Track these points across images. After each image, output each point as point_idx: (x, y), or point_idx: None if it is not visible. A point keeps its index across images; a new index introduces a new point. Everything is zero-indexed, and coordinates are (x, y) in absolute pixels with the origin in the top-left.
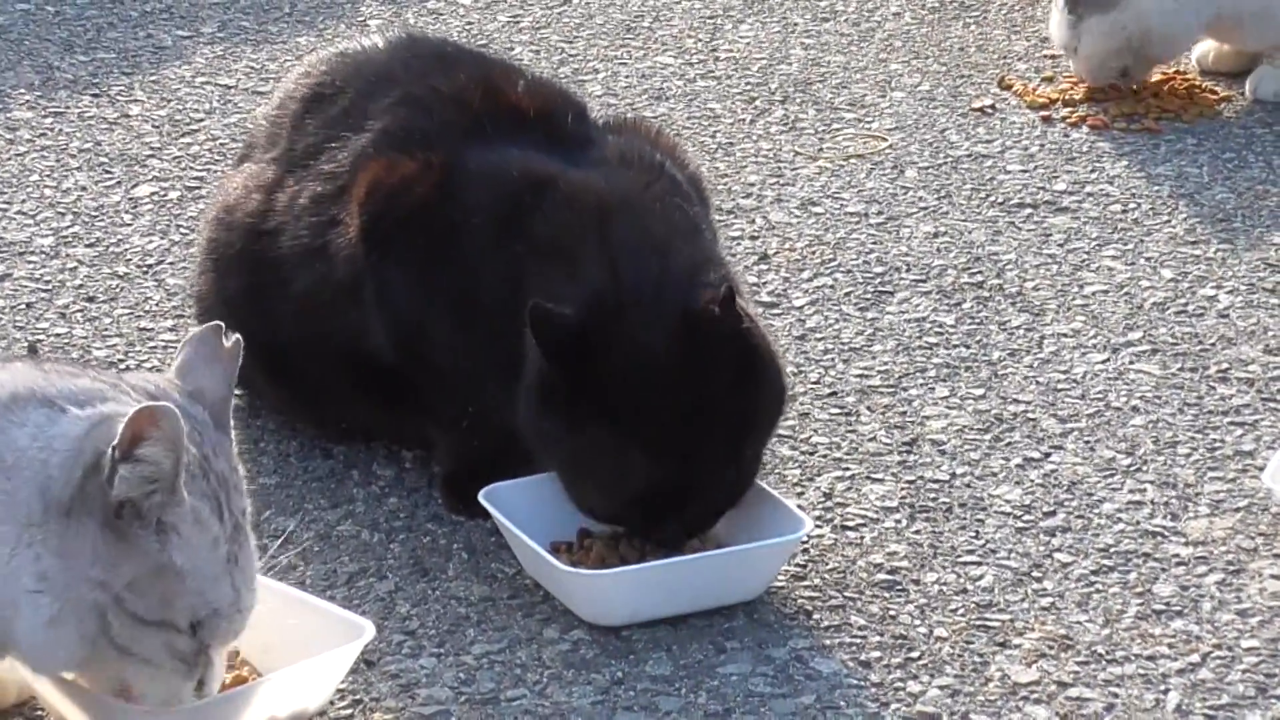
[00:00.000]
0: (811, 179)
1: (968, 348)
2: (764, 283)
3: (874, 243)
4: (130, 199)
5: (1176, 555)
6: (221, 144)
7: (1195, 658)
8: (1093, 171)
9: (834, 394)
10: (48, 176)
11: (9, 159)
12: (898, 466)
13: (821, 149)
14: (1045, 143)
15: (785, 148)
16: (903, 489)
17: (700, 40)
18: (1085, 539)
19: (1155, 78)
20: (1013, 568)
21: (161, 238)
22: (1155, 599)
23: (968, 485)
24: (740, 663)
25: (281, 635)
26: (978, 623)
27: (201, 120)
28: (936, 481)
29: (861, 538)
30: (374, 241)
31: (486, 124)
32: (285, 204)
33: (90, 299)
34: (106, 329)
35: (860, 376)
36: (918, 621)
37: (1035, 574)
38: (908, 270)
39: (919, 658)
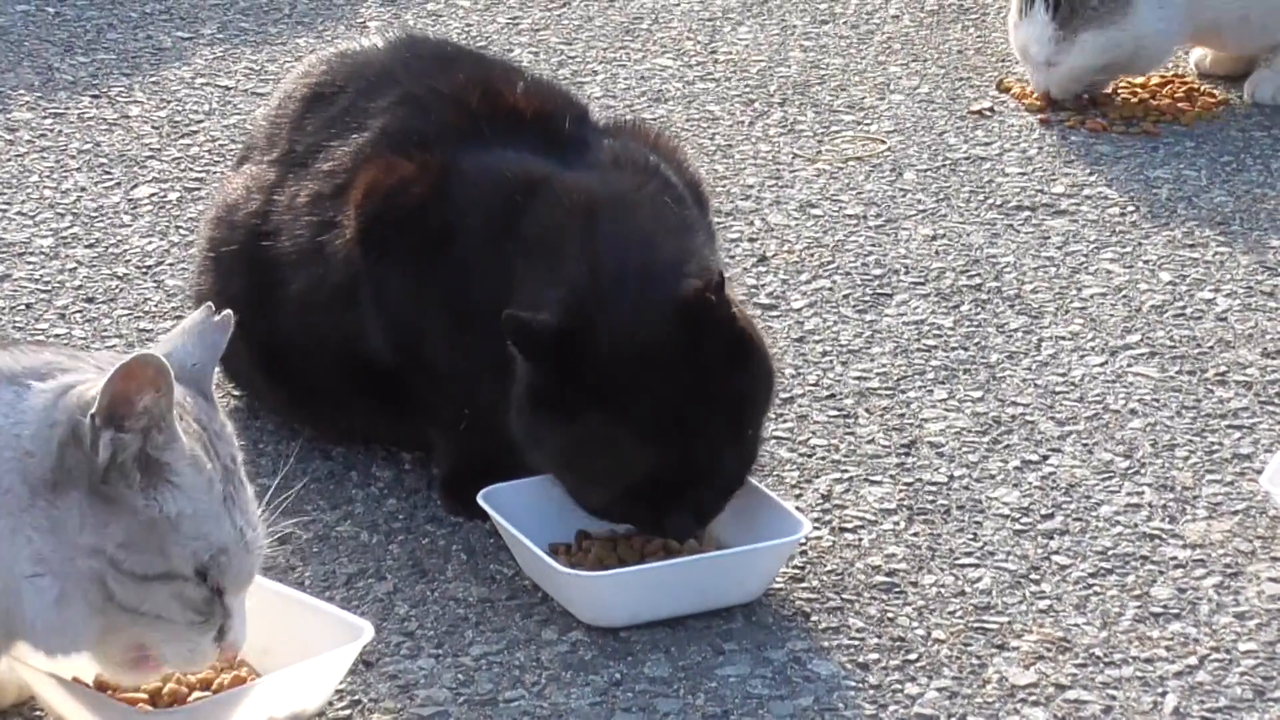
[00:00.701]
0: (810, 181)
1: (966, 350)
2: (762, 285)
3: (872, 245)
4: (130, 200)
5: (1174, 558)
6: (221, 145)
7: (1193, 660)
8: (1091, 174)
9: (832, 396)
10: (47, 177)
11: (9, 160)
12: (896, 469)
13: (820, 151)
14: (1044, 145)
15: (784, 150)
16: (901, 491)
17: (699, 42)
18: (1083, 541)
19: (1154, 81)
20: (1011, 570)
21: (161, 239)
22: (1153, 601)
23: (966, 487)
24: (738, 664)
25: (280, 636)
26: (976, 625)
27: (201, 121)
28: (935, 484)
29: (860, 540)
30: (370, 243)
31: (484, 126)
32: (284, 204)
33: (90, 300)
34: (106, 330)
35: (859, 379)
36: (916, 624)
37: (1033, 576)
38: (906, 273)
39: (917, 660)
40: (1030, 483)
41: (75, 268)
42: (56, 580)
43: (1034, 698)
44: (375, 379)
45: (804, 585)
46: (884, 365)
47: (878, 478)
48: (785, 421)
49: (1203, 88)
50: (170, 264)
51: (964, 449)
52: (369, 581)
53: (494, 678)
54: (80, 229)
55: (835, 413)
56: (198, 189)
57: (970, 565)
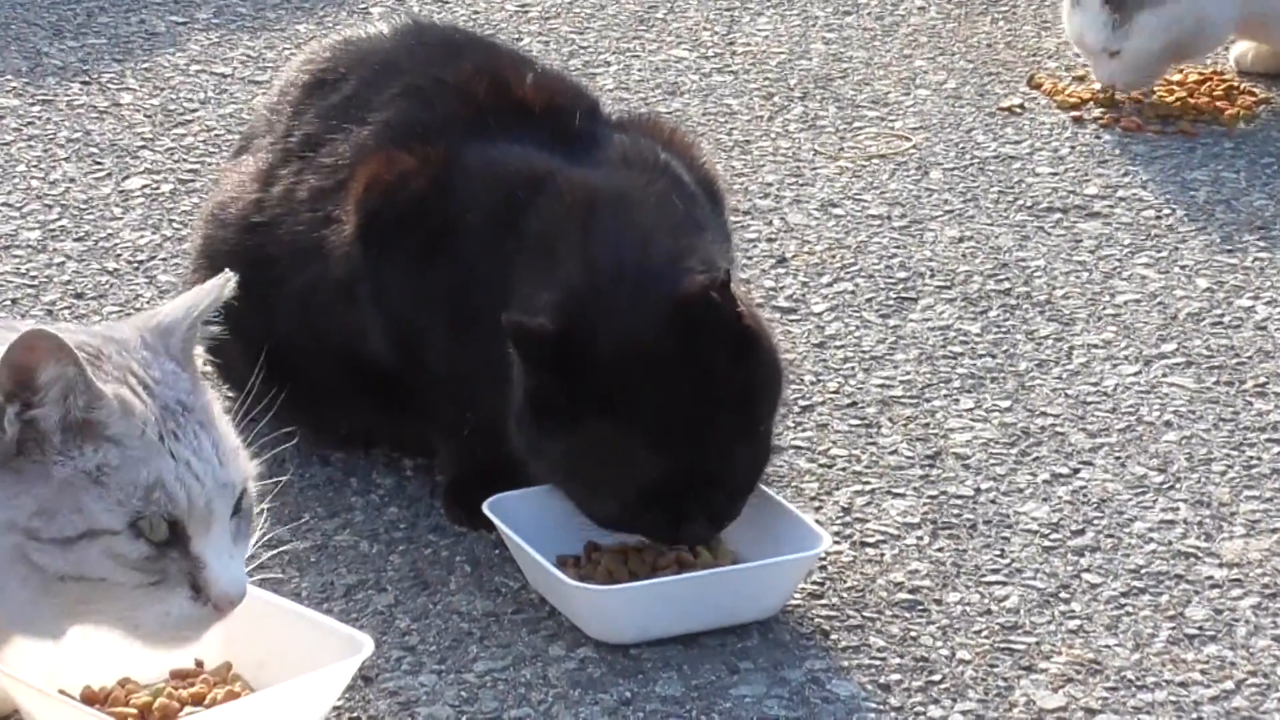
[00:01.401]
0: (832, 179)
1: (994, 358)
2: (781, 287)
3: (897, 247)
4: (121, 191)
5: (1210, 577)
6: (216, 135)
7: (1229, 685)
8: (1125, 175)
9: (854, 404)
10: (35, 167)
11: None
12: (920, 481)
13: (843, 148)
14: (1076, 144)
15: (805, 146)
16: (925, 505)
17: (717, 33)
18: (1115, 559)
19: (1193, 78)
20: (1039, 588)
21: (153, 232)
22: (1188, 623)
23: (993, 501)
24: (754, 684)
25: (276, 650)
26: (1002, 645)
27: (195, 110)
28: (960, 497)
29: (881, 555)
30: (370, 239)
31: (490, 118)
32: (283, 197)
33: (78, 295)
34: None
35: (881, 386)
36: (940, 643)
37: (1063, 595)
38: (931, 276)
39: (941, 681)
40: (1060, 497)
41: (64, 262)
42: None
43: None
44: (377, 380)
45: (823, 602)
46: (908, 373)
47: (901, 490)
48: (805, 430)
49: (1243, 86)
50: (163, 259)
51: (991, 461)
52: (369, 593)
53: (498, 695)
54: (69, 221)
55: (857, 422)
56: (191, 181)
57: (997, 583)
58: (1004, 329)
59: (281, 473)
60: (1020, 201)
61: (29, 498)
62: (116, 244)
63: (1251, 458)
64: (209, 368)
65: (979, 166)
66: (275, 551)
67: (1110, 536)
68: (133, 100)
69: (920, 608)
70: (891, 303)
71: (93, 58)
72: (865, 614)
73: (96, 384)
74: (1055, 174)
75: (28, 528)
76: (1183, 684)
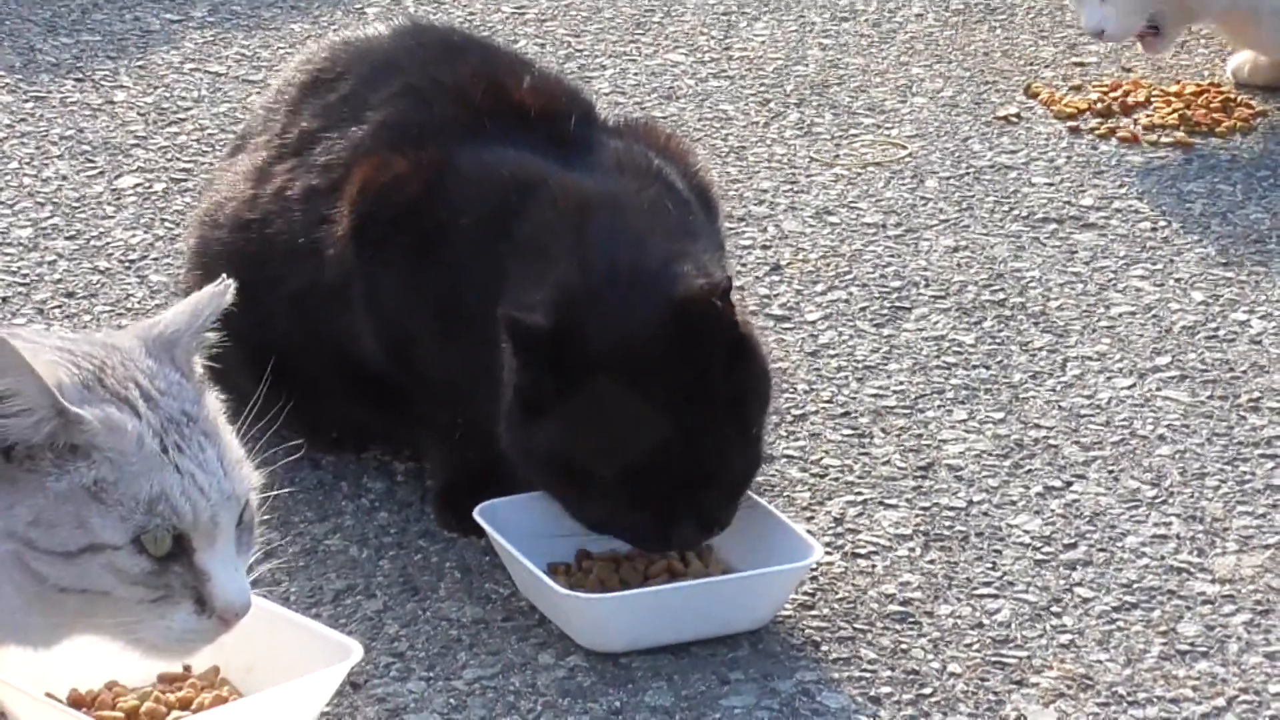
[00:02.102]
0: (827, 187)
1: (987, 369)
2: (775, 295)
3: (891, 255)
4: (113, 190)
5: (1203, 593)
6: (210, 134)
7: (1220, 701)
8: (1121, 186)
9: (847, 414)
10: (27, 164)
11: None
12: (912, 492)
13: (838, 155)
14: (1072, 155)
15: (800, 153)
16: (917, 516)
17: (713, 38)
18: (1107, 573)
19: (1190, 90)
20: (1031, 602)
21: (145, 231)
22: (1180, 639)
23: (985, 514)
24: (744, 695)
25: (265, 654)
26: (994, 659)
27: (189, 109)
28: (952, 509)
29: (873, 566)
30: (363, 241)
31: (486, 121)
32: (278, 197)
33: (69, 294)
34: (86, 326)
35: (875, 396)
36: (931, 656)
37: (1054, 609)
38: (926, 285)
39: (931, 694)
40: (1053, 510)
41: (55, 260)
42: None
43: None
44: (368, 383)
45: (814, 613)
46: (901, 383)
47: (893, 501)
48: (797, 440)
49: (1240, 98)
50: (155, 258)
51: (984, 473)
52: (358, 599)
53: (487, 703)
54: (61, 219)
55: (850, 432)
56: (185, 180)
57: (989, 596)
58: (998, 340)
59: (271, 476)
60: (1016, 211)
61: (24, 508)
62: (108, 243)
63: (1245, 473)
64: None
65: (975, 176)
66: (269, 563)
67: (1103, 550)
68: (126, 98)
69: (911, 620)
70: (885, 312)
71: (87, 55)
72: (856, 625)
73: (70, 408)
74: (1051, 184)
75: (25, 537)
76: (1174, 700)
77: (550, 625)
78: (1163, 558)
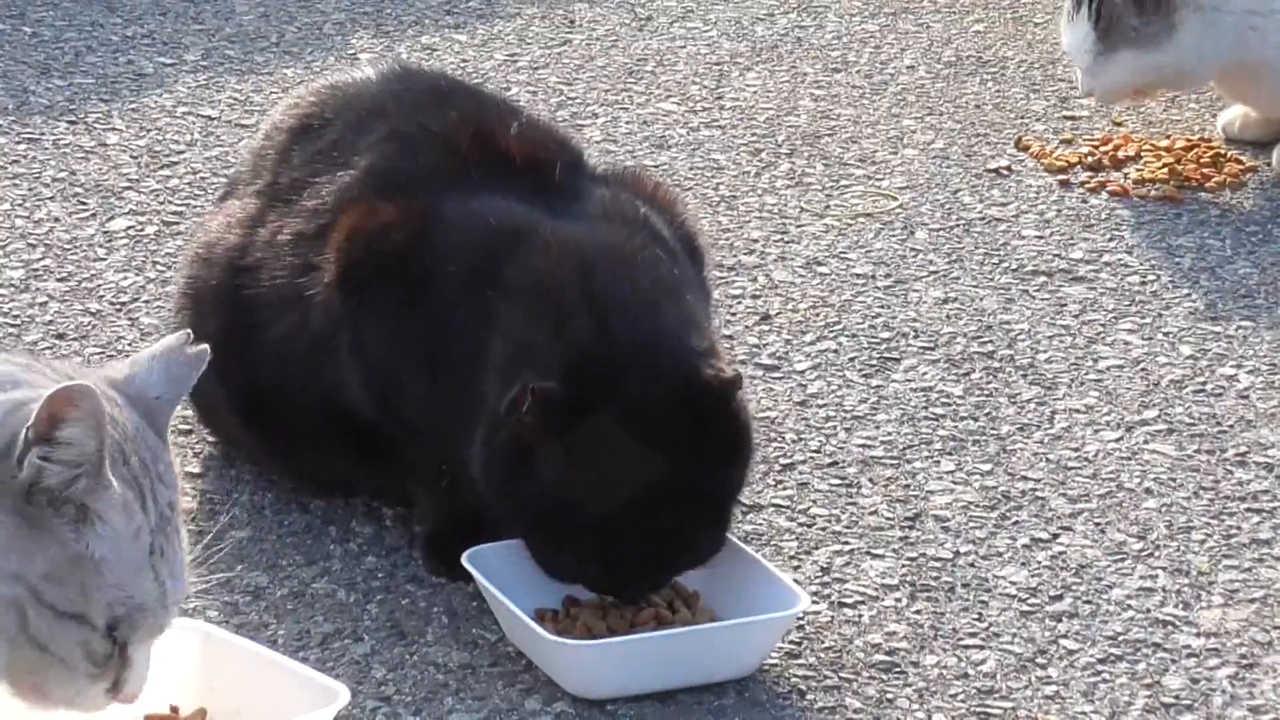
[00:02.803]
0: (817, 237)
1: (975, 420)
2: (765, 344)
3: (881, 306)
4: (105, 232)
5: (1188, 646)
6: (202, 177)
7: None
8: (1111, 240)
9: (835, 464)
10: (19, 206)
11: None
12: (899, 542)
13: (829, 206)
14: (1062, 208)
15: (791, 203)
16: (904, 566)
17: (705, 88)
18: (1093, 626)
19: (1180, 145)
20: (1016, 653)
21: (137, 274)
22: (1164, 691)
23: (971, 565)
24: None
25: (251, 697)
26: (979, 709)
27: (182, 152)
28: (939, 560)
29: (860, 616)
30: (349, 289)
31: (472, 169)
32: (266, 242)
33: (60, 336)
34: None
35: (863, 446)
36: (916, 706)
37: (1040, 660)
38: (915, 337)
39: None
40: (1039, 562)
41: (46, 302)
42: None
43: None
44: (356, 429)
45: (800, 662)
46: (889, 433)
47: (880, 551)
48: (785, 489)
49: (1229, 153)
50: (146, 301)
51: (971, 524)
52: (345, 642)
53: None
54: (52, 261)
55: (837, 481)
56: (176, 223)
57: (974, 646)
58: (986, 392)
59: (260, 519)
60: (1005, 264)
61: (43, 559)
62: (100, 285)
63: (1231, 527)
64: (189, 410)
65: (965, 228)
66: (257, 605)
67: (1088, 603)
68: (119, 141)
69: (897, 670)
70: (874, 362)
71: (80, 97)
72: (842, 675)
73: (109, 474)
74: (1041, 237)
75: (34, 586)
76: None
77: (537, 671)
78: (1148, 610)
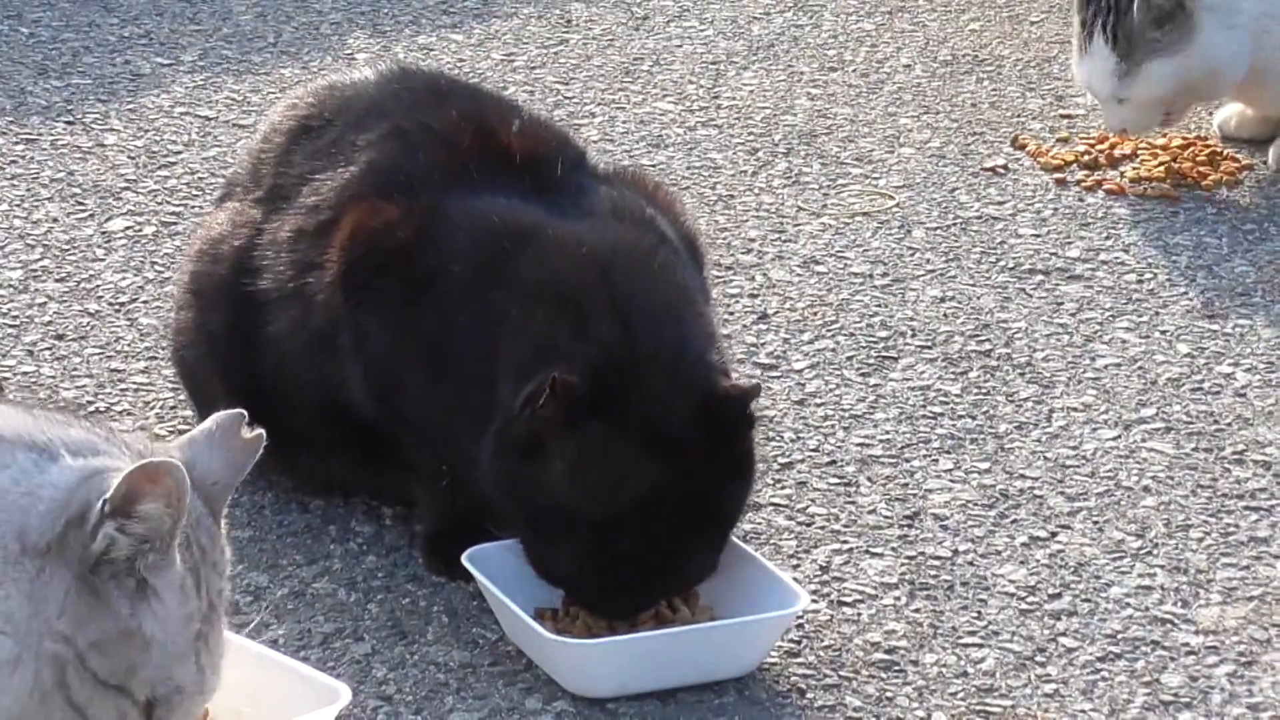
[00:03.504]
0: (815, 236)
1: (973, 419)
2: (762, 343)
3: (878, 305)
4: (103, 233)
5: (1186, 644)
6: (200, 178)
7: None
8: (1108, 238)
9: (833, 463)
10: (17, 206)
11: None
12: (898, 541)
13: (826, 205)
14: (1059, 206)
15: (788, 202)
16: (903, 565)
17: (702, 87)
18: (1091, 624)
19: (1176, 143)
20: (1015, 651)
21: (135, 274)
22: (1163, 689)
23: (970, 563)
24: None
25: (253, 697)
26: (978, 708)
27: (180, 152)
28: (938, 558)
29: (859, 614)
30: (351, 287)
31: (474, 167)
32: (268, 240)
33: (59, 337)
34: (75, 369)
35: (861, 445)
36: (915, 704)
37: (1039, 658)
38: (913, 335)
39: None
40: (1038, 560)
41: (45, 302)
42: (17, 645)
43: None
44: (356, 428)
45: (800, 660)
46: (888, 432)
47: (879, 550)
48: (784, 488)
49: (1226, 152)
50: (144, 301)
51: (969, 522)
52: (346, 642)
53: None
54: (51, 262)
55: (836, 480)
56: (174, 223)
57: (973, 645)
58: (984, 390)
59: (260, 519)
60: (1002, 262)
61: (94, 628)
62: (98, 285)
63: (1229, 524)
64: (189, 410)
65: (961, 226)
66: (258, 606)
67: (1087, 601)
68: (117, 141)
69: (896, 668)
70: (872, 361)
71: (78, 98)
72: (841, 673)
73: (176, 554)
74: (1038, 235)
75: (81, 652)
76: None
77: (537, 670)
78: (1147, 608)
